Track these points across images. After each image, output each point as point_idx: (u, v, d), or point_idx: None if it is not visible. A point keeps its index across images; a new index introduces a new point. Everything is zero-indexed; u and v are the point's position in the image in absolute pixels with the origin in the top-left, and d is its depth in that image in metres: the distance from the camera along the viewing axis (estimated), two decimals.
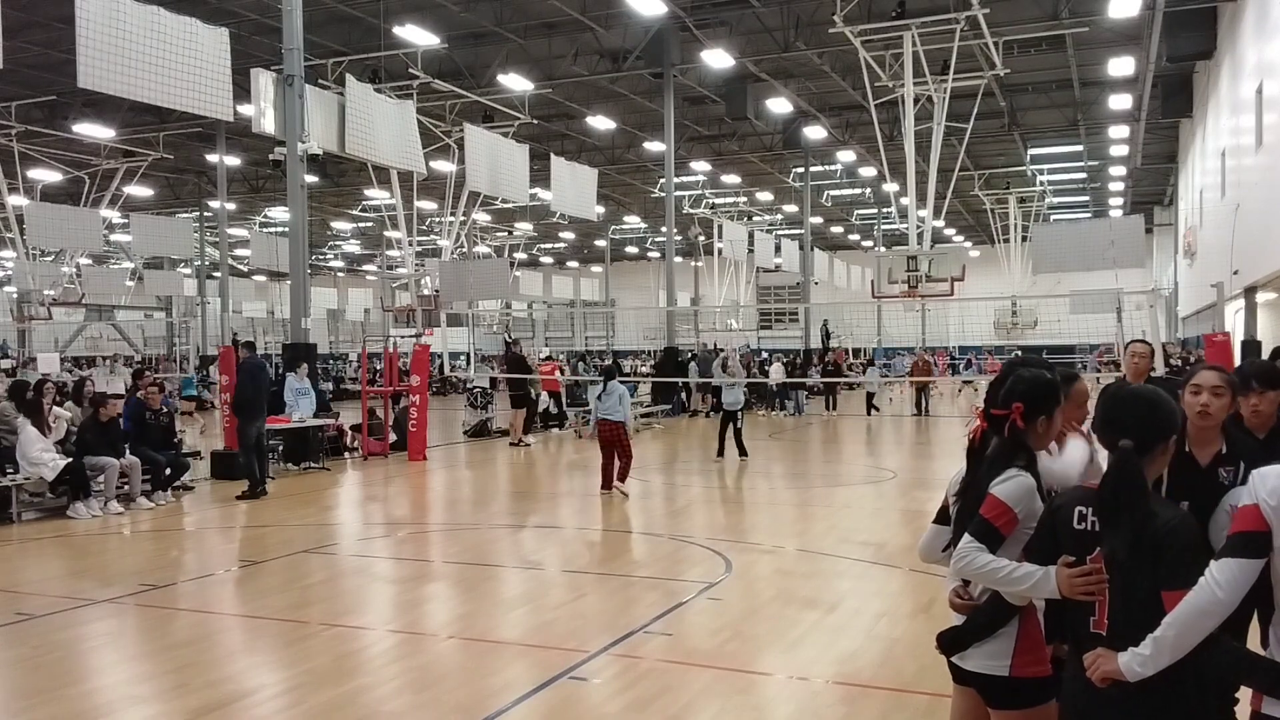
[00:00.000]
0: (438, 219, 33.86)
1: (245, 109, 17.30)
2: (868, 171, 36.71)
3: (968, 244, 52.18)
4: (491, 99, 24.07)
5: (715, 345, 32.77)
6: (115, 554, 10.04)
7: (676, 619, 7.03)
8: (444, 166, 24.59)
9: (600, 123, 28.76)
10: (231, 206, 38.17)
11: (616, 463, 12.80)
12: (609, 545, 10.33)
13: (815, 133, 31.15)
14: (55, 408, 12.83)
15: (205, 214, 40.71)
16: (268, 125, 15.97)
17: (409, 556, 9.73)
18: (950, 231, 50.83)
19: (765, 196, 42.21)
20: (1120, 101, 26.44)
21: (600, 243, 54.06)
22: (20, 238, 25.04)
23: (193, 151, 32.96)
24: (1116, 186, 42.02)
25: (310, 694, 5.54)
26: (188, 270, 45.24)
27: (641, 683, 5.66)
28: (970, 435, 3.15)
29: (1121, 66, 23.50)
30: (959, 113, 21.46)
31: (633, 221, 49.24)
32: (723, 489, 14.18)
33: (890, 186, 30.16)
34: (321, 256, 58.72)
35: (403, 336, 22.27)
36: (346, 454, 17.66)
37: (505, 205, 28.06)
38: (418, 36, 20.22)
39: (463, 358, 26.34)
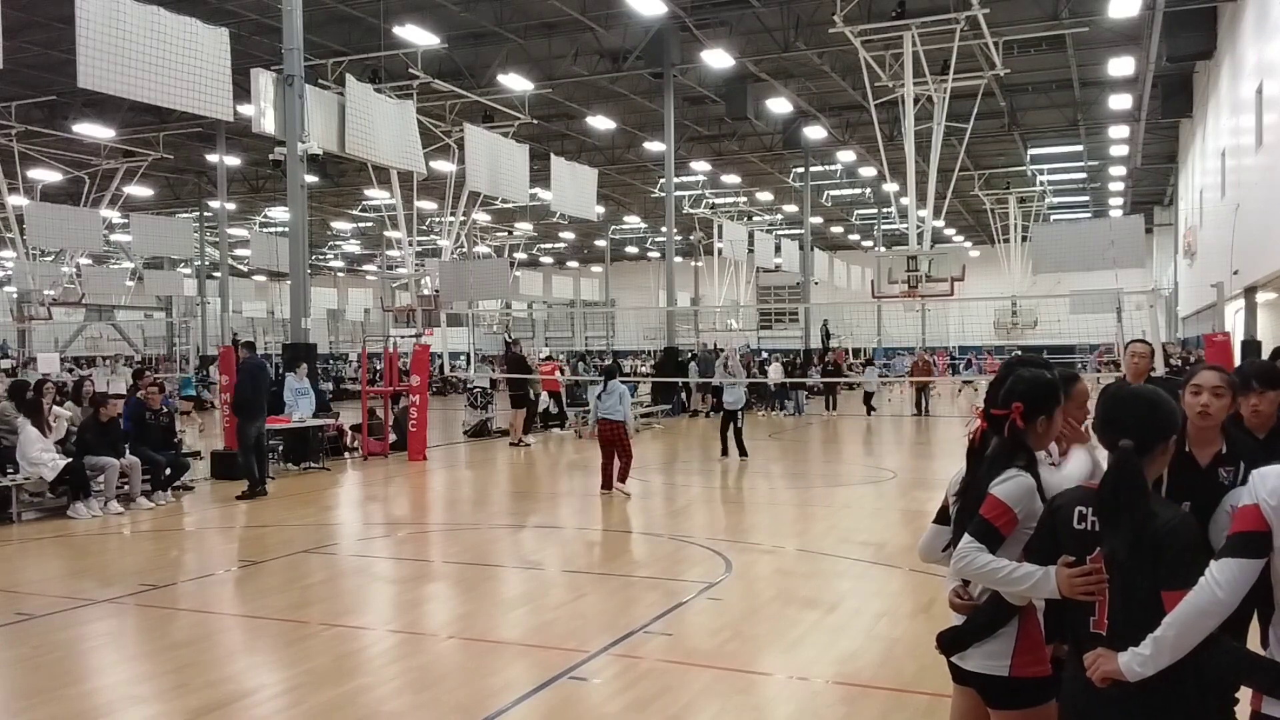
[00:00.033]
0: (438, 219, 33.86)
1: (245, 109, 17.30)
2: (868, 171, 36.72)
3: (968, 244, 52.19)
4: (491, 99, 24.07)
5: (715, 345, 32.77)
6: (115, 554, 10.04)
7: (676, 619, 7.03)
8: (444, 166, 24.59)
9: (600, 123, 28.76)
10: (231, 206, 38.18)
11: (616, 463, 12.80)
12: (609, 545, 10.33)
13: (815, 133, 31.15)
14: (55, 407, 12.83)
15: (205, 214, 40.71)
16: (268, 125, 15.97)
17: (409, 556, 9.72)
18: (950, 231, 50.84)
19: (765, 196, 42.22)
20: (1120, 101, 26.44)
21: (600, 243, 54.06)
22: (20, 238, 25.04)
23: (193, 151, 32.96)
24: (1116, 186, 42.03)
25: (310, 694, 5.54)
26: (188, 270, 45.25)
27: (641, 683, 5.66)
28: (970, 435, 3.15)
29: (1121, 66, 23.50)
30: (959, 113, 21.46)
31: (633, 221, 49.24)
32: (723, 489, 14.18)
33: (890, 186, 30.16)
34: (321, 256, 58.72)
35: (403, 336, 22.27)
36: (346, 454, 17.66)
37: (505, 205, 28.06)
38: (418, 36, 20.22)
39: (463, 358, 26.34)
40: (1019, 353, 3.96)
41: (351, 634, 6.76)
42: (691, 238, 43.12)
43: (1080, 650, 2.64)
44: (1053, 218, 44.45)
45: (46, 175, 28.03)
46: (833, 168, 37.71)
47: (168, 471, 12.68)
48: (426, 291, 22.20)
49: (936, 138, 19.72)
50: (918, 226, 20.02)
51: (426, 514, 12.57)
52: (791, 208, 42.20)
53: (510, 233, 39.58)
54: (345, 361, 45.58)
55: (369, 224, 46.19)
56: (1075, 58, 25.12)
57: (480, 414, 21.96)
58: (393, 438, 17.93)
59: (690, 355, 29.63)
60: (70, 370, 26.79)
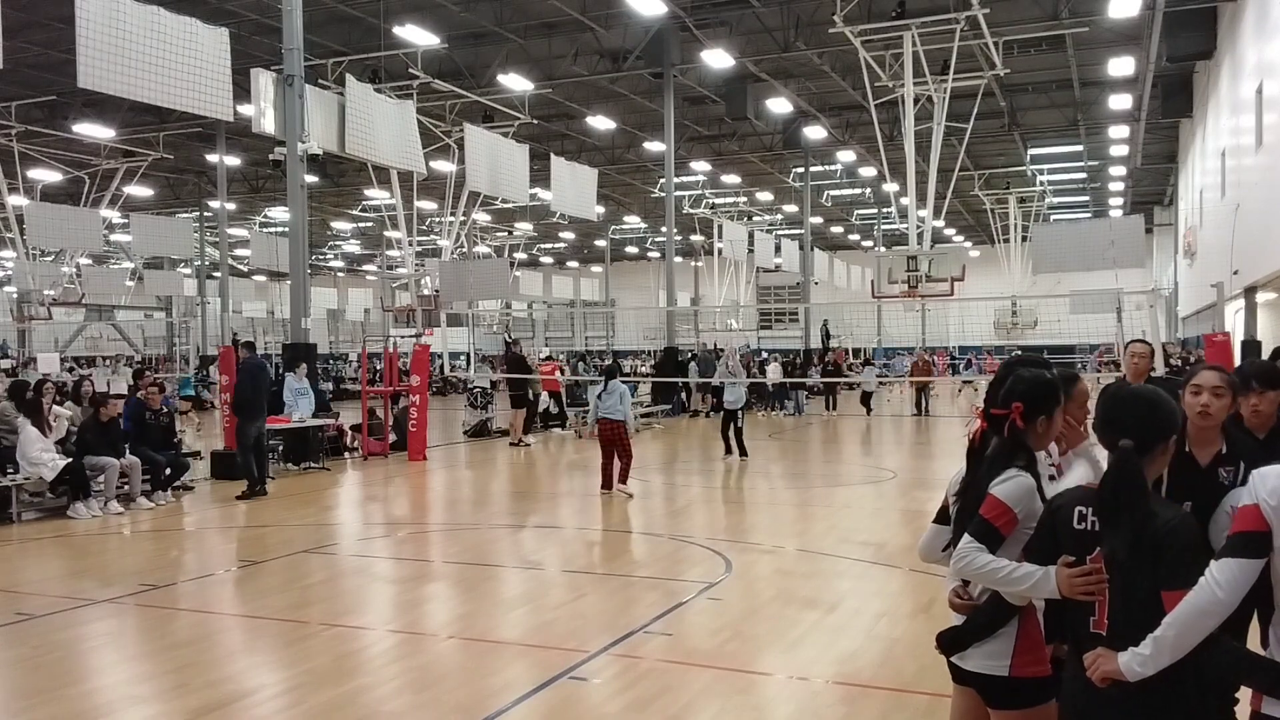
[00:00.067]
0: (438, 219, 33.87)
1: (245, 109, 17.30)
2: (868, 171, 36.71)
3: (968, 244, 52.19)
4: (491, 99, 24.07)
5: (715, 345, 32.76)
6: (115, 554, 10.04)
7: (676, 619, 7.03)
8: (444, 166, 24.59)
9: (600, 123, 28.76)
10: (231, 206, 38.18)
11: (616, 463, 12.80)
12: (609, 545, 10.33)
13: (815, 133, 31.15)
14: (55, 407, 12.83)
15: (205, 214, 40.71)
16: (268, 125, 15.97)
17: (409, 556, 9.72)
18: (950, 231, 50.84)
19: (765, 196, 42.22)
20: (1120, 101, 26.44)
21: (600, 243, 54.06)
22: (20, 238, 25.05)
23: (193, 151, 32.96)
24: (1116, 186, 42.03)
25: (310, 694, 5.54)
26: (188, 270, 45.26)
27: (641, 683, 5.66)
28: (970, 435, 3.15)
29: (1121, 66, 23.50)
30: (959, 113, 21.46)
31: (633, 221, 49.24)
32: (723, 489, 14.17)
33: (890, 186, 30.17)
34: (321, 256, 58.72)
35: (403, 336, 22.27)
36: (346, 454, 17.66)
37: (505, 205, 28.06)
38: (418, 36, 20.22)
39: (463, 358, 26.34)
40: (1019, 352, 3.96)
41: (351, 634, 6.76)
42: (692, 238, 43.14)
43: (1080, 650, 2.64)
44: (1053, 218, 44.45)
45: (46, 175, 28.04)
46: (833, 168, 37.71)
47: (168, 471, 12.68)
48: (426, 291, 22.20)
49: (936, 138, 19.73)
50: (918, 226, 20.02)
51: (426, 514, 12.58)
52: (791, 208, 42.20)
53: (510, 233, 39.58)
54: (345, 361, 45.58)
55: (369, 224, 46.19)
56: (1075, 58, 25.12)
57: (480, 414, 21.96)
58: (393, 438, 17.93)
59: (690, 355, 29.63)
60: (70, 370, 26.80)
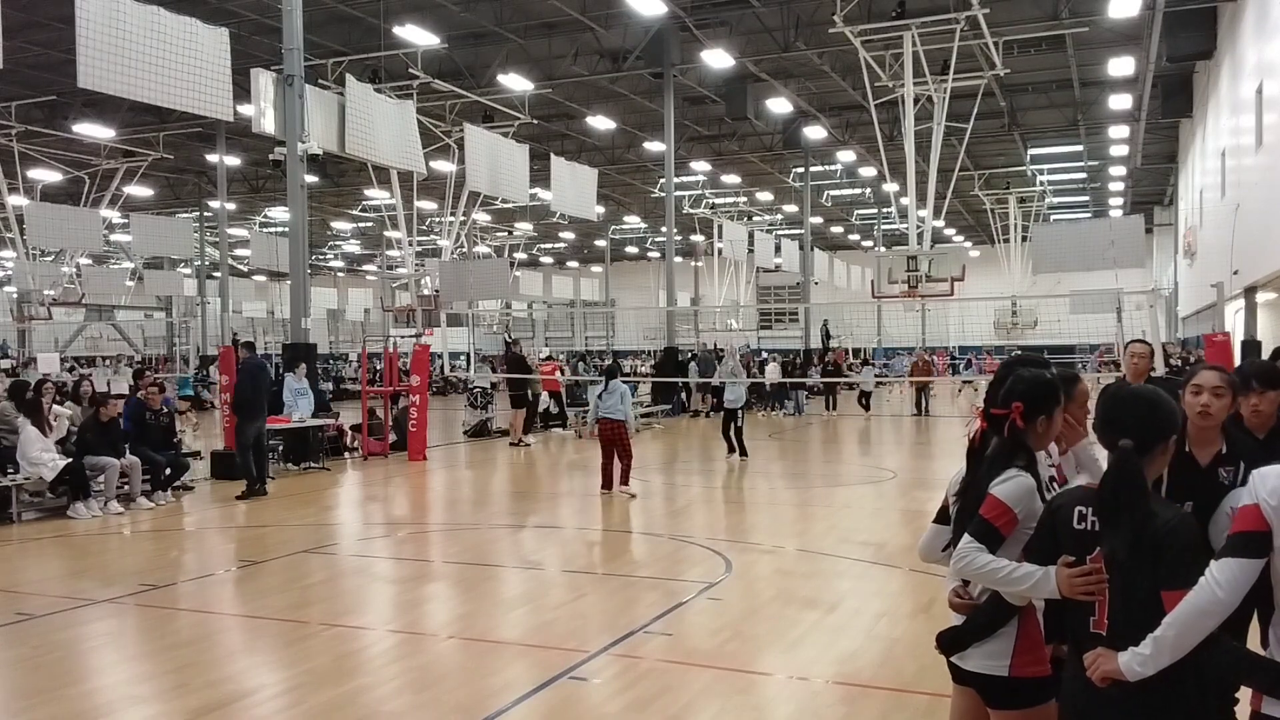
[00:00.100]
0: (438, 219, 33.87)
1: (245, 109, 17.31)
2: (868, 171, 36.72)
3: (968, 244, 52.20)
4: (491, 99, 24.07)
5: (716, 345, 32.76)
6: (115, 554, 10.04)
7: (676, 619, 7.03)
8: (444, 166, 24.59)
9: (600, 123, 28.76)
10: (231, 206, 38.18)
11: (617, 463, 12.79)
12: (609, 545, 10.33)
13: (815, 133, 31.16)
14: (55, 406, 12.83)
15: (205, 214, 40.72)
16: (268, 125, 15.97)
17: (409, 556, 9.72)
18: (950, 231, 50.84)
19: (765, 196, 42.22)
20: (1120, 101, 26.44)
21: (600, 243, 54.06)
22: (20, 238, 25.06)
23: (193, 151, 32.96)
24: (1116, 186, 42.03)
25: (310, 694, 5.54)
26: (188, 270, 45.26)
27: (641, 683, 5.66)
28: (970, 436, 3.15)
29: (1121, 66, 23.50)
30: (959, 113, 21.47)
31: (633, 221, 49.24)
32: (723, 489, 14.17)
33: (890, 186, 30.17)
34: (321, 256, 58.72)
35: (403, 336, 22.27)
36: (346, 454, 17.66)
37: (505, 205, 28.06)
38: (418, 36, 20.22)
39: (463, 358, 26.35)
40: (1019, 352, 3.96)
41: (351, 634, 6.76)
42: (692, 238, 43.13)
43: (1080, 650, 2.64)
44: (1053, 218, 44.46)
45: (46, 175, 28.04)
46: (833, 168, 37.71)
47: (168, 471, 12.68)
48: (426, 291, 22.20)
49: (936, 138, 19.73)
50: (918, 226, 20.03)
51: (426, 514, 12.58)
52: (791, 208, 42.20)
53: (510, 233, 39.59)
54: (345, 361, 45.59)
55: (369, 224, 46.19)
56: (1075, 58, 25.13)
57: (480, 414, 21.96)
58: (393, 438, 17.93)
59: (690, 355, 29.63)
60: (71, 370, 26.81)
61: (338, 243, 55.78)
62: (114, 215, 29.85)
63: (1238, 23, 18.68)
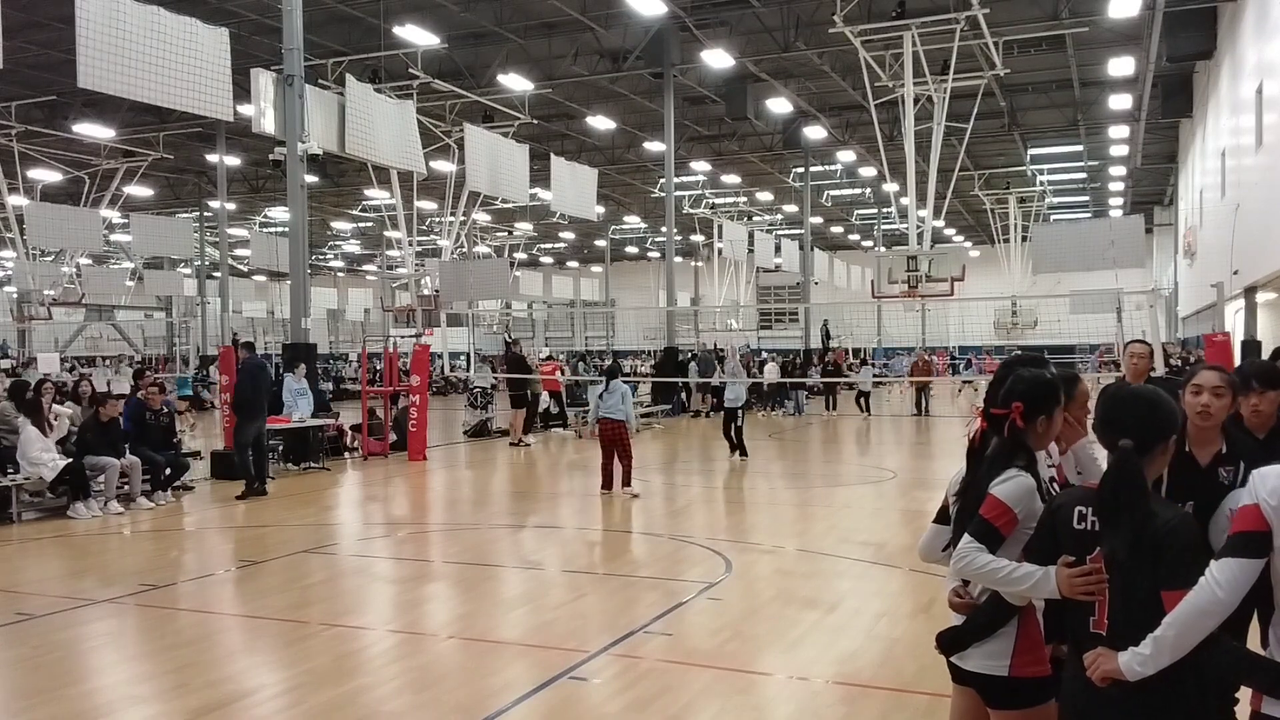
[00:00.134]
0: (438, 219, 33.87)
1: (245, 109, 17.31)
2: (868, 171, 36.72)
3: (968, 244, 52.20)
4: (491, 99, 24.08)
5: (715, 345, 32.76)
6: (115, 554, 10.04)
7: (676, 619, 7.03)
8: (444, 166, 24.60)
9: (600, 123, 28.76)
10: (231, 206, 38.18)
11: (617, 463, 12.79)
12: (609, 545, 10.33)
13: (815, 133, 31.16)
14: (56, 405, 12.83)
15: (205, 214, 40.72)
16: (268, 125, 15.97)
17: (409, 556, 9.72)
18: (950, 231, 50.84)
19: (765, 196, 42.22)
20: (1120, 101, 26.44)
21: (600, 243, 54.06)
22: (20, 238, 25.06)
23: (193, 151, 32.97)
24: (1116, 186, 42.03)
25: (310, 694, 5.54)
26: (188, 270, 45.27)
27: (641, 683, 5.66)
28: (970, 436, 3.15)
29: (1121, 66, 23.50)
30: (959, 113, 21.47)
31: (633, 221, 49.25)
32: (723, 489, 14.17)
33: (890, 186, 30.17)
34: (321, 256, 58.73)
35: (403, 336, 22.27)
36: (346, 454, 17.66)
37: (505, 205, 28.07)
38: (418, 36, 20.23)
39: (463, 358, 26.35)
40: (1019, 351, 3.96)
41: (351, 634, 6.76)
42: (692, 238, 43.12)
43: (1080, 650, 2.64)
44: (1053, 218, 44.46)
45: (46, 175, 28.04)
46: (833, 168, 37.72)
47: (168, 471, 12.68)
48: (426, 291, 22.21)
49: (936, 138, 19.73)
50: (918, 226, 20.03)
51: (426, 514, 12.58)
52: (791, 208, 42.21)
53: (510, 233, 39.59)
54: (345, 361, 45.60)
55: (369, 224, 46.20)
56: (1075, 58, 25.13)
57: (480, 414, 21.96)
58: (393, 438, 17.93)
59: (690, 355, 29.63)
60: (72, 370, 26.82)
61: (338, 243, 55.79)
62: (114, 215, 29.86)
63: (1238, 23, 18.68)
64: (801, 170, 36.16)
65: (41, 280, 26.07)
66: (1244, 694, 2.60)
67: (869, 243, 51.31)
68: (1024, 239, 37.36)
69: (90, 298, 31.80)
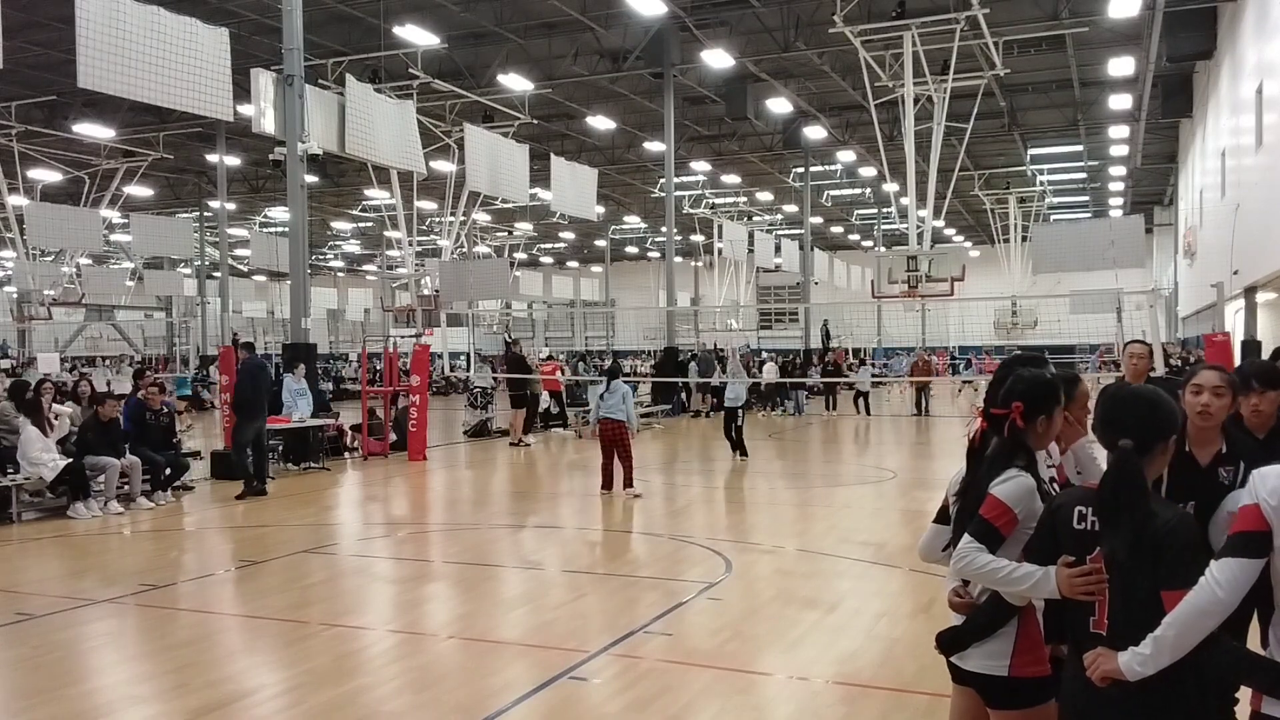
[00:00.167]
0: (438, 219, 33.88)
1: (245, 109, 17.31)
2: (868, 171, 36.73)
3: (968, 244, 52.20)
4: (491, 99, 24.08)
5: (715, 345, 32.75)
6: (115, 554, 10.04)
7: (676, 619, 7.03)
8: (444, 166, 24.60)
9: (600, 123, 28.76)
10: (231, 206, 38.19)
11: (617, 463, 12.78)
12: (609, 545, 10.33)
13: (815, 133, 31.16)
14: (56, 405, 12.83)
15: (205, 214, 40.73)
16: (268, 125, 15.97)
17: (409, 556, 9.72)
18: (950, 231, 50.84)
19: (765, 196, 42.23)
20: (1120, 101, 26.44)
21: (600, 243, 54.06)
22: (20, 238, 25.06)
23: (193, 151, 32.97)
24: (1116, 186, 42.03)
25: (310, 694, 5.54)
26: (188, 270, 45.27)
27: (641, 683, 5.66)
28: (970, 436, 3.15)
29: (1121, 66, 23.50)
30: (959, 113, 21.47)
31: (633, 221, 49.25)
32: (723, 489, 14.17)
33: (890, 186, 30.17)
34: (321, 256, 58.72)
35: (403, 336, 22.27)
36: (346, 454, 17.66)
37: (505, 205, 28.07)
38: (418, 36, 20.23)
39: (463, 358, 26.34)
40: (1019, 351, 3.96)
41: (351, 634, 6.76)
42: (692, 238, 43.12)
43: (1080, 650, 2.64)
44: (1053, 218, 44.46)
45: (46, 175, 28.04)
46: (833, 168, 37.72)
47: (168, 471, 12.68)
48: (426, 291, 22.20)
49: (936, 138, 19.73)
50: (918, 226, 20.03)
51: (426, 514, 12.58)
52: (791, 208, 42.21)
53: (510, 233, 39.59)
54: (345, 361, 45.61)
55: (369, 224, 46.20)
56: (1075, 58, 25.13)
57: (480, 414, 21.96)
58: (393, 438, 17.93)
59: (690, 355, 29.63)
60: (73, 370, 26.83)
61: (338, 243, 55.80)
62: (114, 215, 29.86)
63: (1238, 23, 18.68)
64: (801, 170, 36.16)
65: (41, 280, 26.07)
66: (1244, 694, 2.60)
67: (869, 243, 51.31)
68: (1024, 239, 37.35)
69: (90, 298, 31.80)
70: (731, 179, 38.10)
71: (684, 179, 36.56)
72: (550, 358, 27.88)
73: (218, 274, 37.09)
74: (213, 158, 32.16)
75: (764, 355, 34.42)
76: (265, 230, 41.17)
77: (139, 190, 32.82)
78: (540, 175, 25.90)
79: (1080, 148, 34.67)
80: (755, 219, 43.38)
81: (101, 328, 37.35)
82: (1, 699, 5.60)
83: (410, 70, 20.68)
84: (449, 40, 21.91)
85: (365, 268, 61.55)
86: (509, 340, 24.92)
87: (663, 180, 29.34)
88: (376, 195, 31.46)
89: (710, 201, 39.26)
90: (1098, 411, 2.80)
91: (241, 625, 7.25)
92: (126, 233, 35.05)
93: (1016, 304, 40.93)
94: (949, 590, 3.12)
